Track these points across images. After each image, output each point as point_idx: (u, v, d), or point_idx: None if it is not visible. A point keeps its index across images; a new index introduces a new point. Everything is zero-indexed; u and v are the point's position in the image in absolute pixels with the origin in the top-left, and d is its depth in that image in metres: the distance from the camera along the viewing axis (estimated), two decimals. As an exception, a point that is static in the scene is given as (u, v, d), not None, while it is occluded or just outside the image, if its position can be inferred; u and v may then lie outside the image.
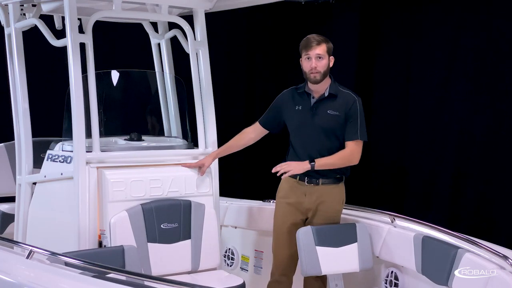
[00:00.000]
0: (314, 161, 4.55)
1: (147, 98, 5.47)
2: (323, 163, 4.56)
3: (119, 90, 5.15)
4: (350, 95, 4.64)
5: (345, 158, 4.60)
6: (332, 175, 4.64)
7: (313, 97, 4.65)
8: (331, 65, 4.61)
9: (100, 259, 3.74)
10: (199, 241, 4.68)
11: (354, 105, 4.59)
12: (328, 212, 4.68)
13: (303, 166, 4.56)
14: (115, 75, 5.06)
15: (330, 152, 4.59)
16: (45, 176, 4.68)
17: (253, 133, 4.87)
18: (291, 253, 4.69)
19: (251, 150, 5.14)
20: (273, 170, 4.58)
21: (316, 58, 4.53)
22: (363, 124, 4.62)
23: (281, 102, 4.77)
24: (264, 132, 4.85)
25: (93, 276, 3.47)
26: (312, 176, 4.63)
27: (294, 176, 4.67)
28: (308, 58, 4.55)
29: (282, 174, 4.58)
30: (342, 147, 4.62)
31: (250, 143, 4.90)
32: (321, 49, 4.53)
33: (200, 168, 4.77)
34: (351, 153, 4.59)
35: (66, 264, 3.63)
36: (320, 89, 4.62)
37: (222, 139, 5.05)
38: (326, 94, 4.62)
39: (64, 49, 4.46)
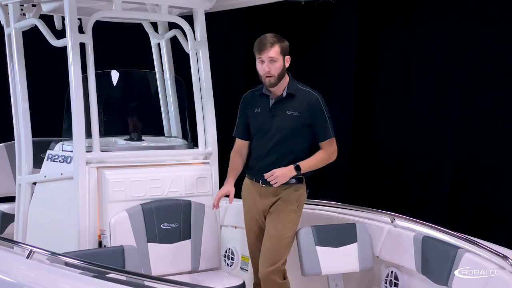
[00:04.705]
0: (299, 166, 4.41)
1: (147, 98, 5.47)
2: (307, 167, 4.45)
3: (119, 90, 5.15)
4: (311, 94, 4.47)
5: (325, 160, 4.50)
6: None
7: (272, 98, 4.50)
8: (287, 65, 4.44)
9: (100, 259, 3.74)
10: (199, 241, 4.69)
11: (318, 105, 4.44)
12: (282, 212, 4.47)
13: (289, 173, 4.42)
14: (115, 75, 5.06)
15: (292, 154, 4.44)
16: (45, 176, 4.69)
17: (243, 149, 4.68)
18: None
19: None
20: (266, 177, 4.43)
21: (269, 62, 4.36)
22: (331, 121, 4.48)
23: (244, 107, 4.64)
24: (247, 143, 4.67)
25: (93, 276, 3.47)
26: None
27: (251, 177, 4.60)
28: (261, 62, 4.39)
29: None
30: (303, 148, 4.48)
31: (246, 156, 4.71)
32: (274, 52, 4.36)
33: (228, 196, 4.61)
34: (330, 153, 4.49)
35: (66, 264, 3.63)
36: (277, 90, 4.47)
37: (222, 139, 5.05)
38: (284, 95, 4.47)
39: (64, 49, 4.46)
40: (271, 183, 4.43)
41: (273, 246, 4.43)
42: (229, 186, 4.60)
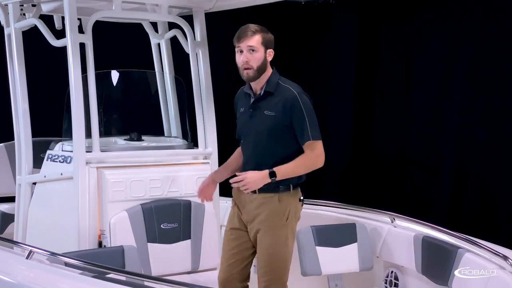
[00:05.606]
0: (274, 172, 3.92)
1: (147, 98, 5.47)
2: (284, 173, 3.93)
3: (119, 90, 5.15)
4: (289, 91, 3.97)
5: (307, 166, 3.99)
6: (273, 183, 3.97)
7: (252, 97, 4.09)
8: (269, 59, 4.00)
9: (100, 259, 3.74)
10: (199, 241, 4.68)
11: (295, 103, 3.94)
12: (268, 230, 3.99)
13: (262, 180, 3.92)
14: (115, 75, 5.06)
15: (273, 160, 3.96)
16: (45, 176, 4.68)
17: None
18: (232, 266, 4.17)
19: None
20: (232, 182, 4.02)
21: (248, 51, 3.93)
22: (313, 122, 3.96)
23: (235, 107, 4.28)
24: None
25: (93, 276, 3.47)
26: None
27: None
28: (240, 52, 3.97)
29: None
30: (288, 153, 3.97)
31: None
32: (254, 41, 3.92)
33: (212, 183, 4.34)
34: (312, 158, 3.97)
35: (66, 264, 3.62)
36: (257, 86, 4.04)
37: (222, 139, 5.05)
38: (262, 93, 4.03)
39: (64, 49, 4.47)
40: (240, 189, 3.99)
41: (267, 267, 4.02)
42: (209, 178, 4.32)
